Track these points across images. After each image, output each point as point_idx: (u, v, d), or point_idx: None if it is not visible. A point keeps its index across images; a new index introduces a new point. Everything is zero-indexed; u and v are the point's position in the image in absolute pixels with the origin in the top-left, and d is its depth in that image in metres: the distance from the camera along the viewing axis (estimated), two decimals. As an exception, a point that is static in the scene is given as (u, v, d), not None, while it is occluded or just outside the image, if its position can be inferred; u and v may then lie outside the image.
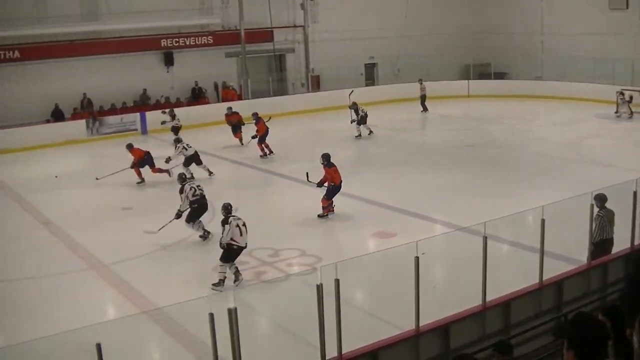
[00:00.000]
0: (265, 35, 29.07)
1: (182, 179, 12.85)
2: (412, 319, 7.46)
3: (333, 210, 13.84)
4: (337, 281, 6.59)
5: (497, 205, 13.07)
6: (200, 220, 12.50)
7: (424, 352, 7.57)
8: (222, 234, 10.26)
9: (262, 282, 10.35)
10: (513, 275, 9.66)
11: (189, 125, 23.44)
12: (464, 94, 29.97)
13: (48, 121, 24.84)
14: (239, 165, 19.44)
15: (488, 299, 7.98)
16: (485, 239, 7.81)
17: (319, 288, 6.56)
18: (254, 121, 20.31)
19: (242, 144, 21.55)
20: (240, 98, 28.02)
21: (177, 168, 16.60)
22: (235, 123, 21.84)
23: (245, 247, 10.36)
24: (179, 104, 27.00)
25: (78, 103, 25.75)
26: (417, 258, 7.21)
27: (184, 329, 8.62)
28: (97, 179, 17.28)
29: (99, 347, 5.53)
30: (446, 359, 7.53)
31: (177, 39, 27.51)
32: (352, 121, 22.14)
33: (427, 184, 16.12)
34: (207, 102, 27.90)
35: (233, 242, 10.21)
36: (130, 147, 17.50)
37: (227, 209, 10.60)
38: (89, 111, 25.56)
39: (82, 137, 23.90)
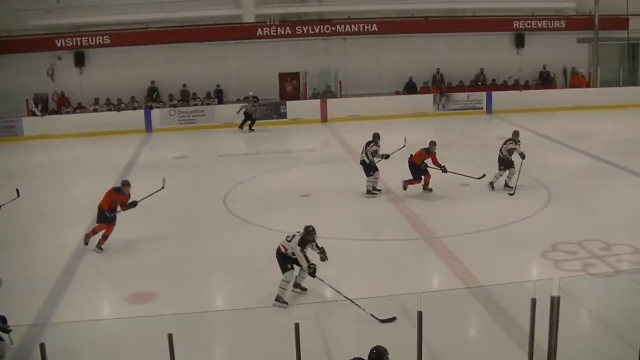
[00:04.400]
0: (620, 22, 27.13)
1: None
2: None
3: None
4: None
5: None
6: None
7: None
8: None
9: (589, 274, 9.95)
10: None
11: (535, 108, 24.66)
12: None
13: (397, 93, 26.98)
14: (581, 154, 18.62)
15: None
16: None
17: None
18: None
19: None
20: (588, 85, 27.26)
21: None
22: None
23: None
24: (527, 86, 26.99)
25: (429, 77, 27.23)
26: None
27: (504, 310, 8.77)
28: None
29: (420, 314, 6.05)
30: None
31: (529, 22, 27.22)
32: None
33: None
34: (555, 87, 27.37)
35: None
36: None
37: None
38: (438, 86, 26.88)
39: (429, 110, 25.63)
